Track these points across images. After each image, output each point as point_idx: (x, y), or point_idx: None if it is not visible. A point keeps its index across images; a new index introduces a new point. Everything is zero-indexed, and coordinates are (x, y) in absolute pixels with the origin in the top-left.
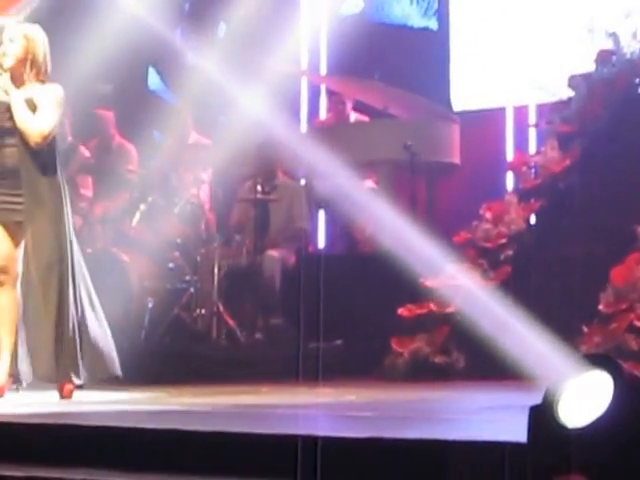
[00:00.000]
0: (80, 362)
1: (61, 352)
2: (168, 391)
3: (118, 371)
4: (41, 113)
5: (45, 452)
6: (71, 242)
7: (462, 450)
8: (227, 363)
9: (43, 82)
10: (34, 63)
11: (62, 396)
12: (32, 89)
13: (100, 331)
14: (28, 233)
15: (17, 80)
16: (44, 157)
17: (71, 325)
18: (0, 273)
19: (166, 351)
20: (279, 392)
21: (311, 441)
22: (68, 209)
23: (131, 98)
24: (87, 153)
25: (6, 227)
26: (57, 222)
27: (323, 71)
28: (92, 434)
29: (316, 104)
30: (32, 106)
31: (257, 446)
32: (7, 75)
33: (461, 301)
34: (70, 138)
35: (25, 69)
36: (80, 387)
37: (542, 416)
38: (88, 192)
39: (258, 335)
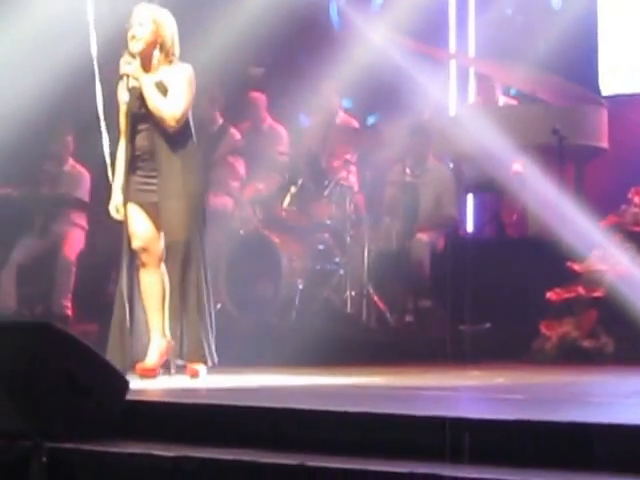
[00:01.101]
0: (206, 344)
1: (185, 334)
2: (318, 372)
3: (215, 360)
4: (172, 96)
5: (194, 432)
6: (202, 224)
7: (611, 433)
8: (377, 345)
9: (171, 64)
10: (163, 46)
11: (190, 376)
12: (162, 72)
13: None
14: (161, 214)
15: (147, 64)
16: (178, 138)
17: (203, 306)
18: (142, 253)
19: (316, 332)
20: (428, 374)
21: (459, 423)
22: (203, 191)
23: (283, 80)
24: (238, 135)
25: (144, 208)
26: (188, 204)
27: (472, 53)
28: (243, 414)
29: (465, 87)
30: (162, 89)
31: (406, 427)
32: (137, 61)
33: (609, 285)
34: (221, 120)
35: (154, 53)
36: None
37: None
38: (241, 173)
39: (408, 318)
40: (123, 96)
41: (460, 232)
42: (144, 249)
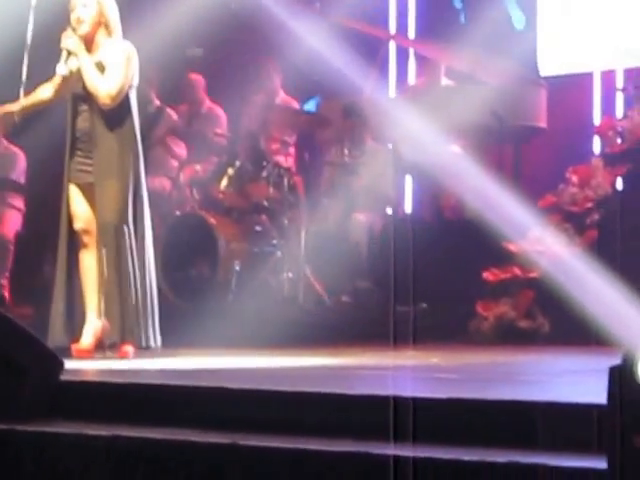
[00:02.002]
0: (139, 326)
1: (119, 315)
2: (255, 353)
3: (151, 342)
4: (108, 74)
5: (128, 412)
6: (139, 205)
7: (545, 411)
8: (314, 326)
9: (112, 42)
10: (107, 27)
11: (120, 357)
12: (102, 51)
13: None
14: (95, 194)
15: (89, 44)
16: (115, 118)
17: (132, 288)
18: (83, 235)
19: (253, 314)
20: (366, 354)
21: (396, 402)
22: (139, 171)
23: (221, 61)
24: (175, 116)
25: (82, 189)
26: (122, 184)
27: (412, 35)
28: (175, 393)
29: (404, 68)
30: (102, 68)
31: (343, 406)
32: (76, 39)
33: (546, 266)
34: (157, 102)
35: (98, 33)
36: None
37: (621, 377)
38: (181, 154)
39: (345, 298)
40: (60, 67)
41: (398, 213)
42: (85, 230)
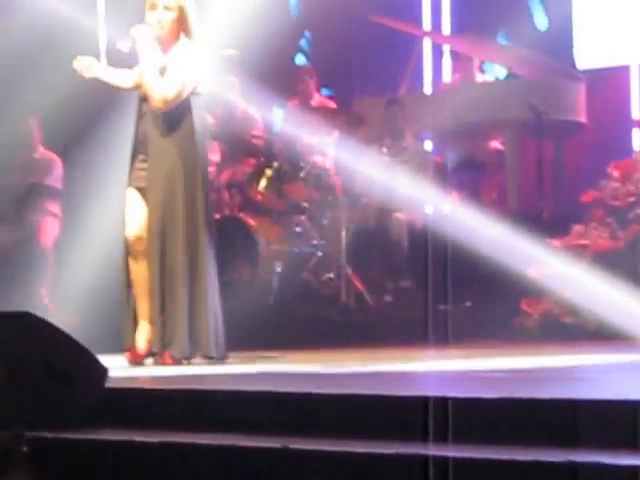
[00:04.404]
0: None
1: (167, 321)
2: (298, 355)
3: (213, 352)
4: (167, 78)
5: (177, 418)
6: (191, 213)
7: (593, 409)
8: (356, 326)
9: (183, 47)
10: (186, 31)
11: (166, 364)
12: (172, 54)
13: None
14: (148, 199)
15: (165, 45)
16: (172, 123)
17: (184, 295)
18: (132, 240)
19: (295, 315)
20: (409, 354)
21: (442, 402)
22: (196, 178)
23: (257, 63)
24: (211, 119)
25: (141, 193)
26: (172, 190)
27: (446, 31)
28: (224, 399)
29: (439, 65)
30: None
31: (388, 408)
32: (147, 36)
33: (589, 261)
34: None
35: (175, 37)
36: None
37: None
38: (217, 158)
39: (387, 298)
40: (121, 44)
41: (438, 211)
42: (137, 236)
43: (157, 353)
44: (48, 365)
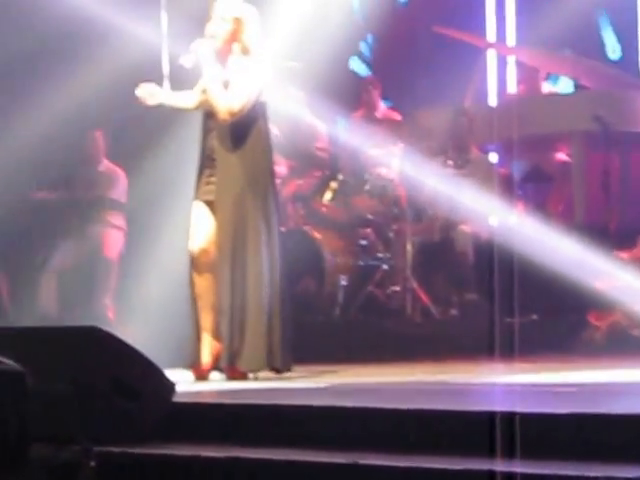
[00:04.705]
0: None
1: (233, 335)
2: (365, 369)
3: (281, 365)
4: (232, 89)
5: (244, 433)
6: (262, 227)
7: None
8: (422, 340)
9: (245, 58)
10: (243, 43)
11: (232, 378)
12: (233, 66)
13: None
14: (216, 213)
15: (223, 57)
16: (239, 136)
17: (249, 308)
18: (199, 254)
19: (360, 328)
20: (475, 368)
21: (509, 417)
22: (266, 191)
23: (318, 74)
24: (276, 131)
25: (208, 207)
26: (242, 205)
27: (511, 42)
28: (292, 413)
29: (504, 76)
30: (227, 82)
31: (454, 423)
32: (208, 48)
33: None
34: None
35: (232, 48)
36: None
37: None
38: (282, 170)
39: (453, 311)
40: (184, 59)
41: (504, 223)
42: (203, 250)
43: (224, 367)
44: (116, 380)
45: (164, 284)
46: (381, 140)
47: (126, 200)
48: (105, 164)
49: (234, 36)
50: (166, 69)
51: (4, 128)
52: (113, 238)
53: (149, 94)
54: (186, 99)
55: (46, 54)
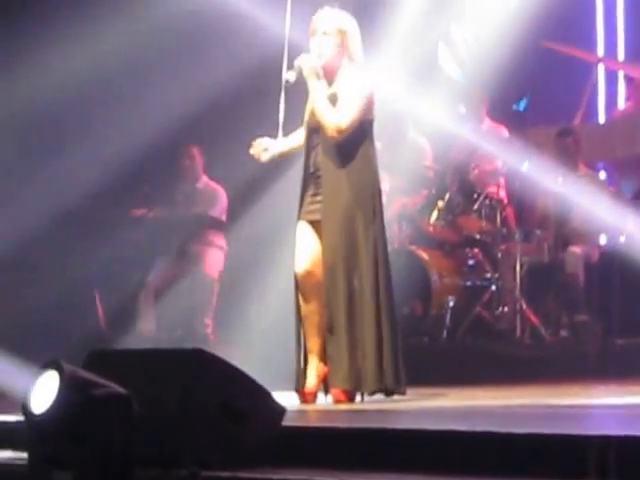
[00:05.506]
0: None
1: (337, 358)
2: (473, 391)
3: (395, 387)
4: (340, 106)
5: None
6: (370, 247)
7: None
8: (532, 361)
9: (352, 73)
10: (349, 55)
11: (335, 401)
12: (342, 81)
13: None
14: (323, 234)
15: (330, 73)
16: (347, 153)
17: (362, 330)
18: (304, 275)
19: (468, 350)
20: (587, 390)
21: (623, 441)
22: (373, 211)
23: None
24: (379, 146)
25: (313, 227)
26: (351, 224)
27: (621, 57)
28: (402, 437)
29: (614, 92)
30: (335, 99)
31: (565, 447)
32: (312, 64)
33: None
34: None
35: (338, 63)
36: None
37: None
38: (385, 188)
39: (563, 332)
40: (286, 75)
41: (616, 243)
42: (305, 271)
43: (332, 390)
44: (224, 404)
45: (265, 305)
46: (489, 157)
47: (226, 218)
48: (204, 180)
49: (341, 49)
50: (281, 117)
51: (103, 139)
52: (214, 257)
53: (263, 149)
54: (297, 139)
55: (150, 66)
